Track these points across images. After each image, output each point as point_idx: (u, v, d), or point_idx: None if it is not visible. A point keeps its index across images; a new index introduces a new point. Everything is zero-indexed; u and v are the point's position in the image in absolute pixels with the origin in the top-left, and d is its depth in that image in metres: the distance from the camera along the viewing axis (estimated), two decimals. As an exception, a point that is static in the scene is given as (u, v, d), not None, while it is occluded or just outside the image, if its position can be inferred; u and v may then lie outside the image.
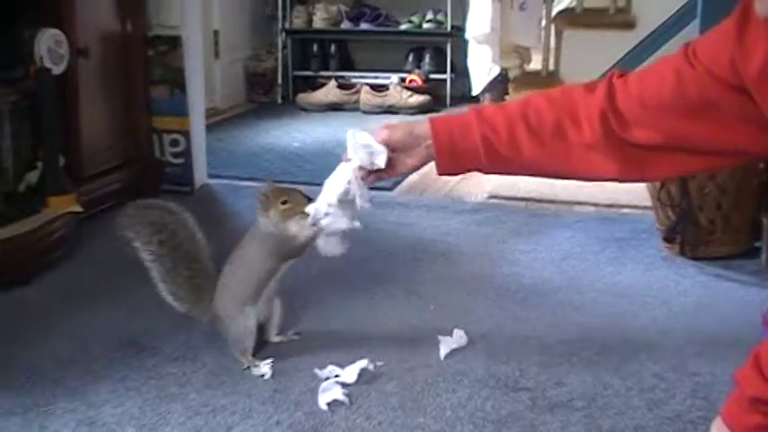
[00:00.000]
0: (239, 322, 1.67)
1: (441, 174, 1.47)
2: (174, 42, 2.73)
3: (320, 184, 2.92)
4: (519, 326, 1.84)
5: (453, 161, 1.45)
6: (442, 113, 1.46)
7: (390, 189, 2.97)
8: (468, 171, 1.48)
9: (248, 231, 1.70)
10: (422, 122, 1.46)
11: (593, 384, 1.61)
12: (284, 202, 1.62)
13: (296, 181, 2.98)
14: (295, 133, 3.87)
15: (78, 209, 2.28)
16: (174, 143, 2.79)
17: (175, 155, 2.80)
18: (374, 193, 2.91)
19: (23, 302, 1.97)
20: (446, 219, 2.61)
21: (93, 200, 2.44)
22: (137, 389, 1.60)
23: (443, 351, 1.70)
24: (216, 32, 4.34)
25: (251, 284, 1.67)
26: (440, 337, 1.72)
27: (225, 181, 2.98)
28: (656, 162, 1.43)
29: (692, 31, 3.18)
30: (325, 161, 3.31)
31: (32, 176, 2.26)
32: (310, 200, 1.59)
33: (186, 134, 2.79)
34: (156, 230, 1.74)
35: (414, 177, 3.14)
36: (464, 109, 1.47)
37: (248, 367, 1.65)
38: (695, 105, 1.37)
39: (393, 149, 1.47)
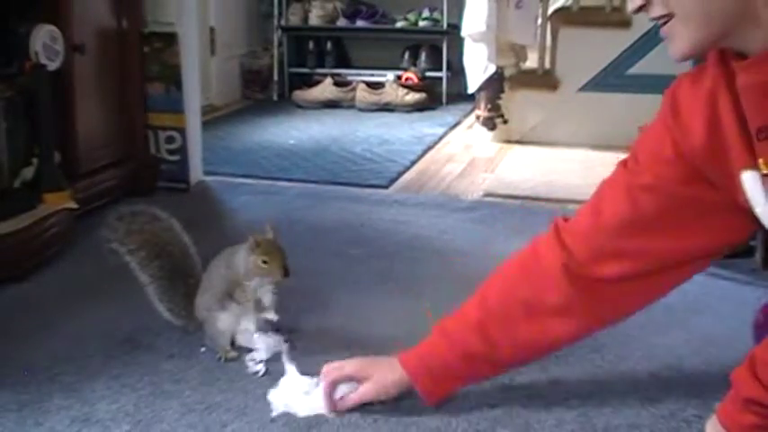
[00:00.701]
0: (211, 324, 1.71)
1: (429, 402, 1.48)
2: (170, 39, 2.73)
3: (316, 182, 2.95)
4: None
5: (436, 386, 1.47)
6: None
7: (386, 187, 2.97)
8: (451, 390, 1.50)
9: (226, 249, 1.72)
10: (388, 363, 1.49)
11: (588, 382, 1.61)
12: (264, 262, 1.63)
13: (292, 178, 3.01)
14: (291, 131, 3.87)
15: (74, 205, 2.28)
16: (170, 140, 2.79)
17: (171, 152, 2.80)
18: (369, 191, 2.95)
19: (19, 299, 1.97)
20: (442, 217, 2.62)
21: (88, 197, 2.44)
22: (132, 386, 1.59)
23: None
24: (212, 29, 4.33)
25: (213, 296, 1.71)
26: None
27: (221, 178, 2.98)
28: (632, 294, 1.42)
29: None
30: (321, 159, 3.32)
31: (28, 173, 2.26)
32: (287, 273, 1.63)
33: (182, 131, 2.79)
34: (151, 248, 1.79)
35: (409, 175, 3.15)
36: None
37: (221, 358, 1.68)
38: (655, 217, 1.35)
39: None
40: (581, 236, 1.41)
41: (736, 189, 1.26)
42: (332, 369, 1.50)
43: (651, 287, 1.42)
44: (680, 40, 1.19)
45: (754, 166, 1.23)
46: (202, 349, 1.72)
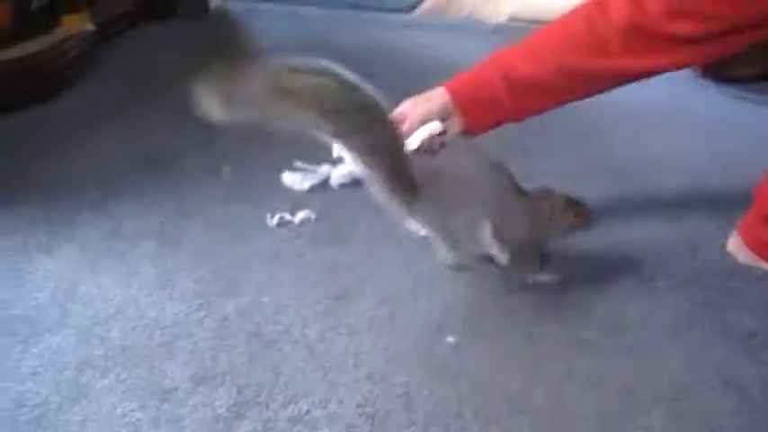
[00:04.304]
0: None
1: (472, 132, 1.41)
2: None
3: (338, 7, 2.88)
4: (539, 143, 1.82)
5: (479, 112, 1.40)
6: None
7: (408, 11, 2.89)
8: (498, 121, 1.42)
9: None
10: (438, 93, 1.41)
11: (612, 198, 1.61)
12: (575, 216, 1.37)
13: (310, 3, 2.93)
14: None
15: (91, 27, 2.24)
16: (187, -37, 2.71)
17: (188, -25, 2.72)
18: (393, 15, 2.87)
19: (41, 120, 1.96)
20: (465, 41, 2.55)
21: (107, 20, 2.39)
22: (158, 203, 1.61)
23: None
24: None
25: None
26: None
27: (240, 3, 2.90)
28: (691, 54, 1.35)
29: None
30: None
31: (44, -6, 2.21)
32: None
33: (200, -47, 2.71)
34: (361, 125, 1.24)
35: (433, -1, 3.07)
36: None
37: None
38: None
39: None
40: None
41: None
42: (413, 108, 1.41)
43: (712, 50, 1.36)
44: None
45: None
46: (226, 168, 1.73)
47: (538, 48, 1.40)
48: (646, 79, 1.38)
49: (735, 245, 1.45)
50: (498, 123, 1.43)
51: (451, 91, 1.41)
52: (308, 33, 2.64)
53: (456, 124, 1.41)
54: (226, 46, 2.48)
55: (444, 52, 2.46)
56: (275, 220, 1.53)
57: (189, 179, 1.70)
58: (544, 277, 1.36)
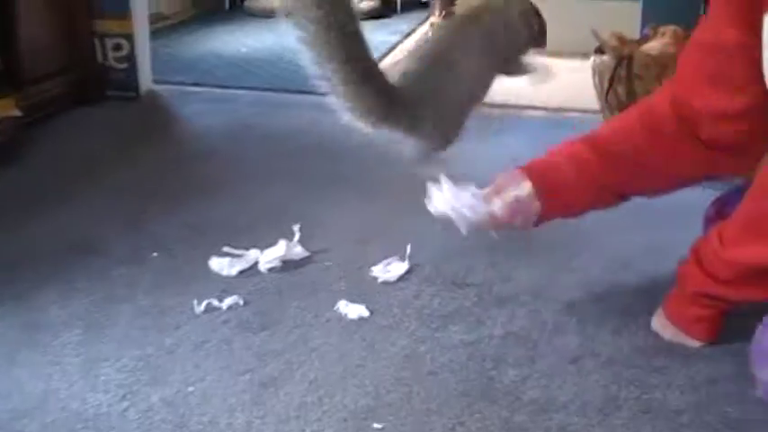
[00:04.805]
0: None
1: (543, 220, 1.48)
2: (115, -58, 2.63)
3: (269, 90, 2.90)
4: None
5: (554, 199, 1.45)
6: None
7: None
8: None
9: None
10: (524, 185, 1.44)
11: (539, 279, 1.63)
12: None
13: (244, 86, 2.96)
14: (243, 39, 3.79)
15: (18, 113, 2.23)
16: (118, 47, 2.72)
17: (119, 59, 2.73)
18: (323, 98, 2.91)
19: (-34, 207, 1.93)
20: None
21: (34, 105, 2.38)
22: (84, 290, 1.58)
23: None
24: (160, -67, 4.19)
25: None
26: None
27: (171, 87, 2.91)
28: None
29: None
30: (274, 67, 3.26)
31: (-30, 79, 2.20)
32: None
33: (129, 38, 2.71)
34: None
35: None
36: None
37: None
38: None
39: None
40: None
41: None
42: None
43: None
44: None
45: None
46: (154, 254, 1.71)
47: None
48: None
49: (660, 323, 1.47)
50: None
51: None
52: (242, 116, 2.65)
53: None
54: (156, 130, 2.49)
55: (376, 133, 2.49)
56: (202, 307, 1.51)
57: (117, 265, 1.68)
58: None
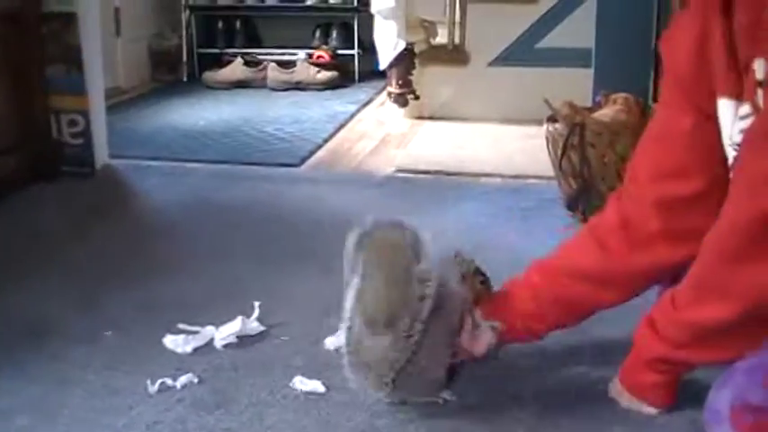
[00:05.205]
0: None
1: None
2: (70, 19, 2.64)
3: (227, 162, 2.92)
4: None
5: None
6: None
7: (298, 165, 2.95)
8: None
9: None
10: None
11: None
12: None
13: (202, 159, 2.97)
14: (201, 112, 3.81)
15: (-30, 190, 2.21)
16: (73, 123, 2.71)
17: (74, 135, 2.72)
18: (282, 170, 2.93)
19: None
20: (354, 193, 2.61)
21: (-13, 182, 2.37)
22: (36, 374, 1.55)
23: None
24: (117, 10, 4.22)
25: None
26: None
27: (128, 161, 2.91)
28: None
29: (590, 5, 3.22)
30: (232, 139, 3.28)
31: None
32: None
33: (85, 114, 2.71)
34: None
35: (322, 153, 3.14)
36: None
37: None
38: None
39: None
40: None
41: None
42: None
43: None
44: None
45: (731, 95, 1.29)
46: (108, 333, 1.69)
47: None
48: None
49: (616, 390, 1.47)
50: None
51: None
52: (200, 189, 2.65)
53: None
54: (112, 205, 2.47)
55: (336, 203, 2.51)
56: (156, 387, 1.49)
57: (70, 345, 1.65)
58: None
